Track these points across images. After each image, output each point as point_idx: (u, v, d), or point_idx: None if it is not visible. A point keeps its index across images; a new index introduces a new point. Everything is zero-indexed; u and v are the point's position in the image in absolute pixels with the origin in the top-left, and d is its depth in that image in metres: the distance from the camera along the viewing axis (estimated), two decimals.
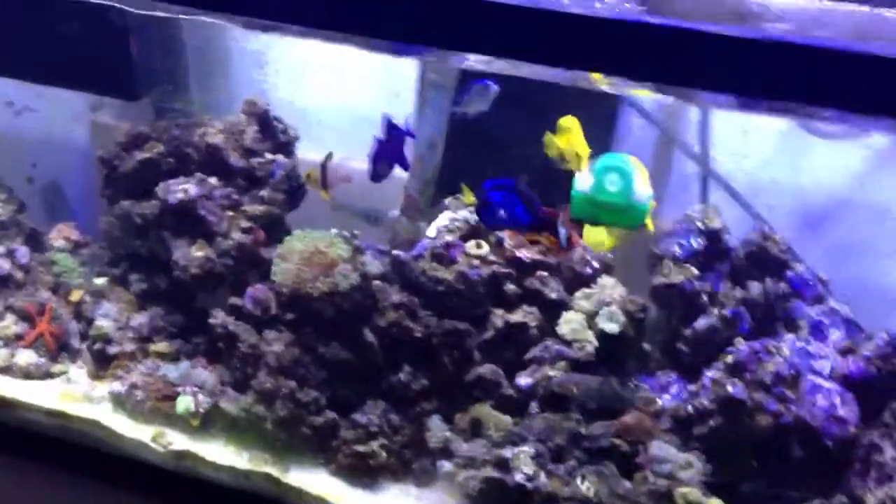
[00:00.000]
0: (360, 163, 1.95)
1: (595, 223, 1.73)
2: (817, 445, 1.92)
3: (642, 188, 1.64)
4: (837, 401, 1.92)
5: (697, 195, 2.34)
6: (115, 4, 1.99)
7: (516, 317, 2.16)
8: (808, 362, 1.97)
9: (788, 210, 2.24)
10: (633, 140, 2.25)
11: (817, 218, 2.23)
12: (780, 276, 2.09)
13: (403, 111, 2.14)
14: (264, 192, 2.25)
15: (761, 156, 2.23)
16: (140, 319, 2.36)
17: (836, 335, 2.04)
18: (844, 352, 2.00)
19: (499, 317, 2.16)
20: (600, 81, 1.52)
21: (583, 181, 1.66)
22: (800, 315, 2.06)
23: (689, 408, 2.02)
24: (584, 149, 1.62)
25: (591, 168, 1.66)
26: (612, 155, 1.67)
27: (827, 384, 1.93)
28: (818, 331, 2.04)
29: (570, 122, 1.64)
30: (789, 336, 2.02)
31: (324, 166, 1.98)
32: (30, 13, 2.18)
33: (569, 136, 1.61)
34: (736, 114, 2.16)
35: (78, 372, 2.40)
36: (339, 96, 2.51)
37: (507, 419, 2.16)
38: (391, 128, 1.92)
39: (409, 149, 2.02)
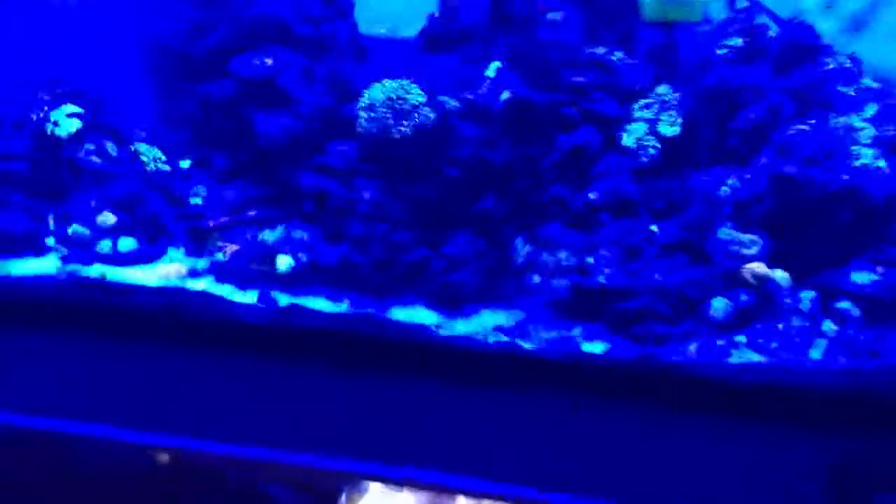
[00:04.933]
0: None
1: (664, 20, 1.94)
2: (866, 205, 2.17)
3: None
4: (881, 163, 2.17)
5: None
6: None
7: (577, 138, 2.38)
8: (850, 134, 2.20)
9: None
10: None
11: None
12: (816, 62, 2.31)
13: None
14: (334, 55, 2.43)
15: None
16: (230, 193, 2.55)
17: (872, 110, 2.28)
18: (881, 121, 2.24)
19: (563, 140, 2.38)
20: None
21: None
22: (838, 95, 2.29)
23: (747, 193, 2.26)
24: None
25: None
26: None
27: (870, 150, 2.18)
28: (856, 106, 2.27)
29: None
30: (832, 114, 2.25)
31: None
32: None
33: None
34: None
35: (177, 252, 2.60)
36: None
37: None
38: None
39: None
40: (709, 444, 2.09)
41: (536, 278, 2.34)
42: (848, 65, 2.32)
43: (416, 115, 2.25)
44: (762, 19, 2.35)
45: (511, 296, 2.42)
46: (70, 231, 2.54)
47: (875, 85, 2.31)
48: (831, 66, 2.31)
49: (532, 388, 2.26)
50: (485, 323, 2.35)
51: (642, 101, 2.30)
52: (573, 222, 2.37)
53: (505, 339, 2.29)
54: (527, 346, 2.26)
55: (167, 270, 2.54)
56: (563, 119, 2.36)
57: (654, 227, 2.30)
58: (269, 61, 2.36)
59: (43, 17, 2.84)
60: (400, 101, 2.24)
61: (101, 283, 2.50)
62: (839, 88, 2.28)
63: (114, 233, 2.56)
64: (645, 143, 2.26)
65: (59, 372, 2.40)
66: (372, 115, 2.26)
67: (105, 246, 2.55)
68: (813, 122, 2.22)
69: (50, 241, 2.58)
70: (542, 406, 2.22)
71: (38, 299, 2.53)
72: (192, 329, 2.47)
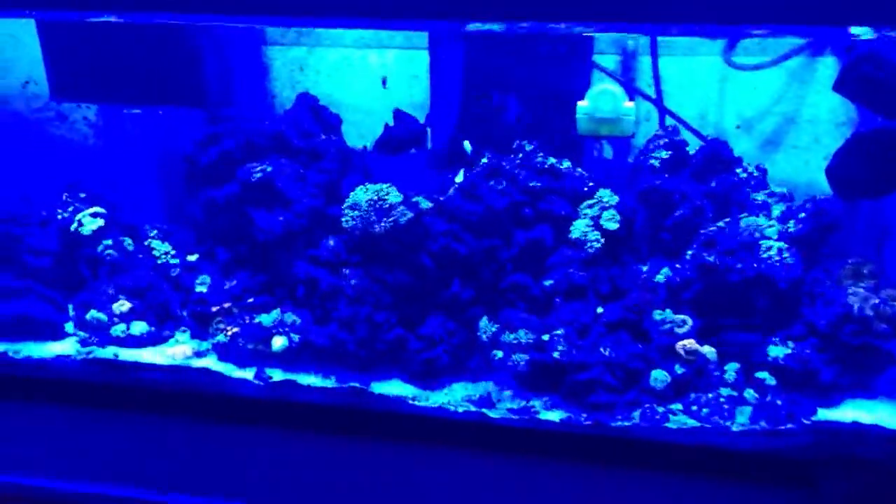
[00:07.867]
0: None
1: (596, 136, 2.37)
2: (775, 289, 2.57)
3: (627, 104, 2.28)
4: (786, 255, 2.57)
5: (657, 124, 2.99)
6: None
7: (534, 234, 2.77)
8: (760, 231, 2.62)
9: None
10: None
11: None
12: (729, 172, 2.74)
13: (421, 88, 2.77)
14: (324, 164, 2.84)
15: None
16: (231, 282, 2.90)
17: (777, 210, 2.70)
18: (785, 219, 2.66)
19: (521, 235, 2.77)
20: None
21: (583, 104, 2.30)
22: (749, 198, 2.71)
23: (678, 279, 2.65)
24: None
25: (588, 95, 2.30)
26: (603, 83, 2.31)
27: (776, 244, 2.59)
28: (764, 208, 2.70)
29: None
30: (744, 214, 2.67)
31: None
32: None
33: None
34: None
35: (183, 334, 2.94)
36: (369, 90, 3.14)
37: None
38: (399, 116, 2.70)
39: None
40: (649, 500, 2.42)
41: (499, 354, 2.68)
42: (756, 174, 2.75)
43: (394, 213, 2.63)
44: (685, 134, 2.80)
45: (478, 370, 2.76)
46: (88, 317, 2.87)
47: (780, 190, 2.74)
48: (743, 175, 2.74)
49: (497, 453, 2.59)
50: (455, 395, 2.68)
51: (587, 202, 2.70)
52: (531, 305, 2.75)
53: (473, 409, 2.62)
54: (493, 415, 2.60)
55: (174, 351, 2.87)
56: (522, 217, 2.76)
57: (600, 309, 2.68)
58: (269, 168, 2.75)
59: (68, 130, 3.25)
60: (380, 202, 2.62)
61: (114, 362, 2.82)
62: (749, 193, 2.71)
63: (127, 318, 2.89)
64: (590, 237, 2.65)
65: (75, 441, 2.69)
66: (356, 213, 2.64)
67: (119, 330, 2.88)
68: (728, 220, 2.63)
69: (69, 326, 2.92)
70: (507, 470, 2.54)
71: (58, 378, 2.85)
72: (195, 402, 2.77)
